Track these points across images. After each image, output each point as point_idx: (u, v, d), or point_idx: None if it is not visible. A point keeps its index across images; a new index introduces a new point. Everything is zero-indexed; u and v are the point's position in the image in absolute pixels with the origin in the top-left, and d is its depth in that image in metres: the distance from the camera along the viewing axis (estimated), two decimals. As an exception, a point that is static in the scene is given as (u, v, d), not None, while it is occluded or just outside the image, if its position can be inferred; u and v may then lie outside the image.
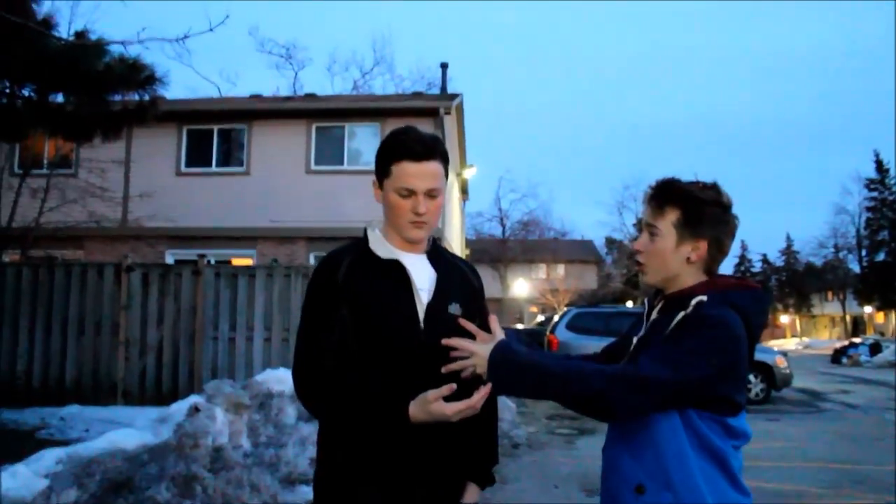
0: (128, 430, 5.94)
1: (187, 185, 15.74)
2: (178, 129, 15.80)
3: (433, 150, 1.78)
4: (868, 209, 52.44)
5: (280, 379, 6.62)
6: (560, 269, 48.20)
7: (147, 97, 7.60)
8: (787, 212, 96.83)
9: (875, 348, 29.33)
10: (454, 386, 1.61)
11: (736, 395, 1.61)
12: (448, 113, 16.22)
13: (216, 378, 7.87)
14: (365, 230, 1.88)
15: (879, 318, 53.11)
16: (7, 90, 7.47)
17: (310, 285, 1.82)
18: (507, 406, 9.20)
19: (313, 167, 15.87)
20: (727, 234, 1.71)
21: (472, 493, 1.87)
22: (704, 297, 1.62)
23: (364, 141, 15.76)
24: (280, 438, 5.95)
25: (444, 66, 22.71)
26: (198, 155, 16.02)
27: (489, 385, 1.61)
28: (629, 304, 36.77)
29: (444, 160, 1.81)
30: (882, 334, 44.60)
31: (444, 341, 1.66)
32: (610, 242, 52.22)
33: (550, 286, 44.72)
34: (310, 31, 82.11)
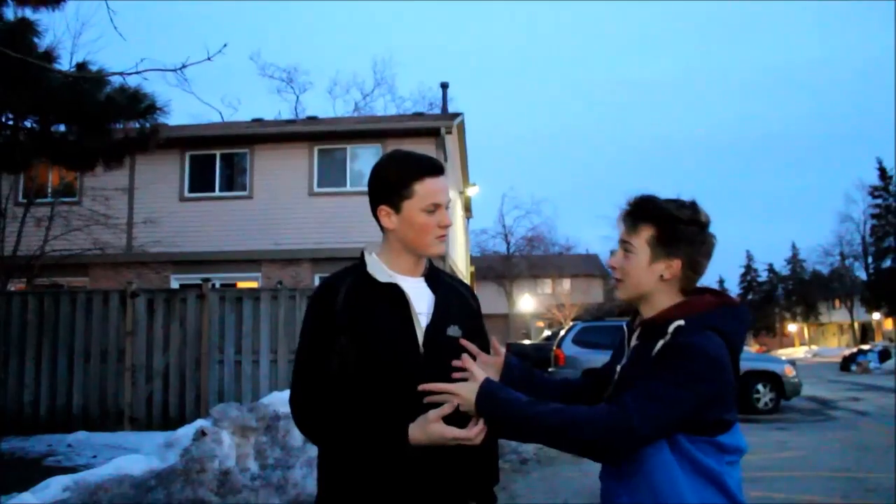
0: (134, 456, 5.95)
1: (191, 211, 15.84)
2: (181, 155, 15.91)
3: (442, 164, 1.83)
4: (873, 216, 52.35)
5: (286, 401, 6.59)
6: (566, 284, 48.05)
7: (148, 125, 7.67)
8: (791, 221, 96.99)
9: (884, 355, 29.10)
10: (455, 403, 1.61)
11: (725, 414, 1.60)
12: (449, 132, 16.30)
13: (223, 402, 7.87)
14: (362, 253, 1.87)
15: (888, 324, 52.77)
16: (10, 122, 7.55)
17: (307, 313, 1.81)
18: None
19: (316, 189, 15.95)
20: (703, 254, 1.68)
21: (473, 513, 1.86)
22: (682, 322, 1.60)
23: (366, 162, 15.82)
24: (287, 460, 5.94)
25: (444, 86, 22.86)
26: (201, 180, 16.13)
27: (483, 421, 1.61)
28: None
29: None
30: (891, 341, 44.21)
31: (422, 386, 1.65)
32: (615, 256, 51.97)
33: (556, 301, 44.54)
34: (311, 54, 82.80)
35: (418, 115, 21.61)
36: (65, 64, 7.76)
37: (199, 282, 10.20)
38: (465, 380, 1.64)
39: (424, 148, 14.93)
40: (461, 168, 21.70)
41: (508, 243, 47.94)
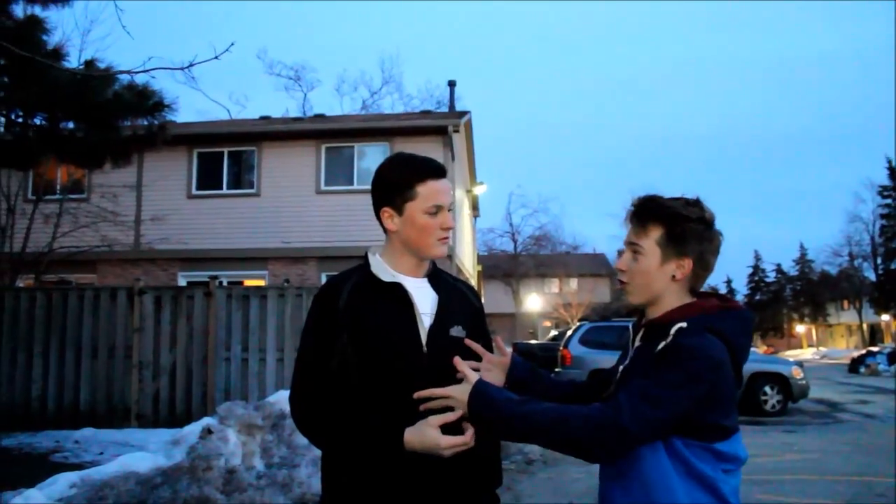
0: (141, 454, 5.95)
1: (198, 208, 15.89)
2: (189, 153, 15.97)
3: (444, 167, 1.84)
4: (882, 216, 52.09)
5: (292, 400, 6.61)
6: (573, 283, 48.00)
7: (156, 123, 7.69)
8: (800, 221, 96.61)
9: (893, 357, 28.89)
10: (461, 412, 1.61)
11: (723, 420, 1.59)
12: (457, 131, 16.29)
13: (229, 399, 7.90)
14: (366, 254, 1.88)
15: (897, 326, 52.56)
16: (19, 119, 7.58)
17: (310, 312, 1.82)
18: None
19: (323, 187, 15.97)
20: (712, 251, 1.68)
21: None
22: (684, 324, 1.59)
23: (374, 160, 15.82)
24: (293, 459, 5.94)
25: (451, 84, 22.84)
26: (208, 178, 16.17)
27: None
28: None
29: None
30: (900, 342, 44.06)
31: (417, 394, 1.65)
32: (622, 255, 51.92)
33: (563, 300, 44.54)
34: (318, 52, 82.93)
35: (426, 113, 21.60)
36: (73, 61, 7.78)
37: (207, 279, 10.23)
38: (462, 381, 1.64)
39: (432, 146, 14.94)
40: (468, 166, 21.68)
41: (515, 242, 47.95)
